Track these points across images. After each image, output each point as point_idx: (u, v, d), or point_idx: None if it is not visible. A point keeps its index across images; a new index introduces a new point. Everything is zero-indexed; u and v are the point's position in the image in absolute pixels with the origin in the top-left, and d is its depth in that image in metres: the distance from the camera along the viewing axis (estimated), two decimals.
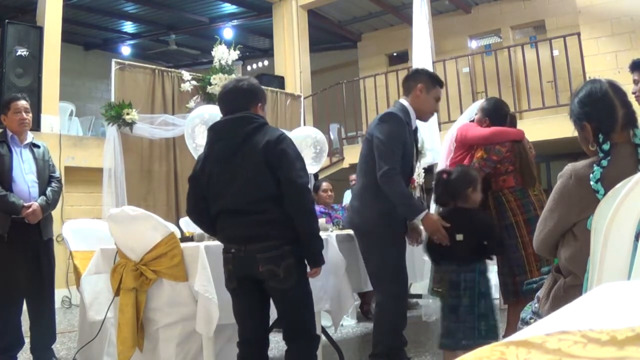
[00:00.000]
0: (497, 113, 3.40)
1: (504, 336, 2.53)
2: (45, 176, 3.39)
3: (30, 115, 3.42)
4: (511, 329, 3.01)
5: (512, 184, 3.24)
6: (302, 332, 2.21)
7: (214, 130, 2.30)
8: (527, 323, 1.80)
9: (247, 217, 2.14)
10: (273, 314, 2.31)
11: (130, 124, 4.87)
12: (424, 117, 3.03)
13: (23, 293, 3.31)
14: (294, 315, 2.19)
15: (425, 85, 2.95)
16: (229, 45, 5.22)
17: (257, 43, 11.39)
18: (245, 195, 2.15)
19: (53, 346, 3.45)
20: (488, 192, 3.23)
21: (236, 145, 2.18)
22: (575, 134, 1.83)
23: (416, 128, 3.07)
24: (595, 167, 1.64)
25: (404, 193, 2.80)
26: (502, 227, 3.18)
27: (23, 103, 3.35)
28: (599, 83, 1.79)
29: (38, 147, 3.42)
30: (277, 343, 3.40)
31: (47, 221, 3.40)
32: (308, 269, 2.22)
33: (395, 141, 2.81)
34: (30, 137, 3.40)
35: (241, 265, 2.17)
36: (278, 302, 2.19)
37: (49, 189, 3.36)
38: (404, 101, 2.99)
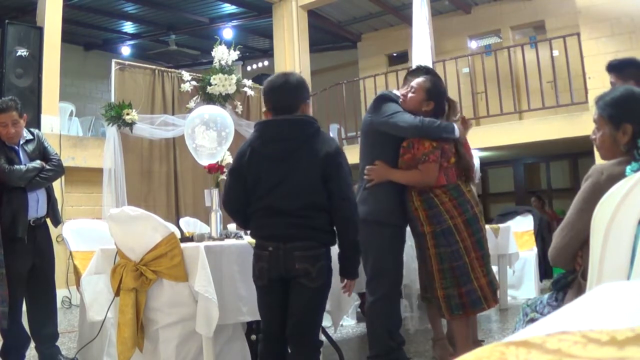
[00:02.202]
0: (442, 97, 2.96)
1: (457, 355, 2.52)
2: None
3: (19, 125, 3.27)
4: (462, 345, 2.82)
5: (444, 182, 2.84)
6: (308, 333, 2.21)
7: (269, 129, 2.25)
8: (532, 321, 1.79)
9: (291, 219, 2.15)
10: None
11: (130, 125, 4.88)
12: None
13: (24, 292, 3.32)
14: (307, 315, 2.19)
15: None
16: (229, 45, 5.22)
17: (257, 43, 11.40)
18: (294, 199, 2.15)
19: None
20: (412, 193, 2.88)
21: (294, 148, 2.17)
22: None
23: None
24: (628, 167, 1.61)
25: (437, 125, 2.78)
26: (438, 233, 2.80)
27: (10, 115, 3.20)
28: (636, 88, 1.78)
29: (32, 140, 3.40)
30: None
31: (54, 209, 3.43)
32: (339, 283, 2.29)
33: (397, 109, 2.82)
34: (23, 137, 3.37)
35: (277, 263, 2.16)
36: (298, 300, 2.17)
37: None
38: (397, 91, 3.05)
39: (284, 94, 2.24)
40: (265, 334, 2.29)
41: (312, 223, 2.15)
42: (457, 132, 2.82)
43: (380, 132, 2.87)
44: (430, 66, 5.88)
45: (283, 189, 2.16)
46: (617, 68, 3.03)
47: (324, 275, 2.18)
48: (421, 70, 3.03)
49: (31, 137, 3.43)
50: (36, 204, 3.31)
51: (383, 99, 2.92)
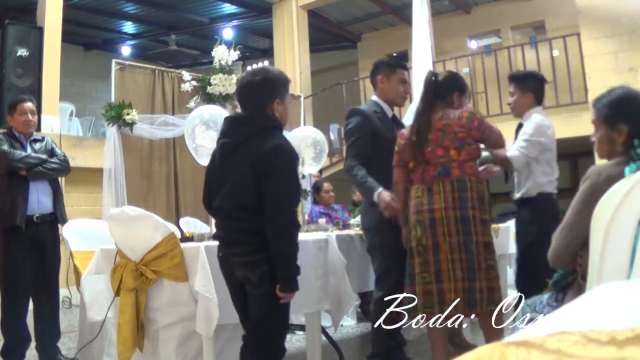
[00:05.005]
0: (461, 84, 2.83)
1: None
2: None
3: (36, 117, 3.54)
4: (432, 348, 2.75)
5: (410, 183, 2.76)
6: (265, 341, 2.15)
7: (225, 125, 2.25)
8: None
9: (228, 221, 2.14)
10: None
11: (131, 124, 4.87)
12: (395, 102, 3.10)
13: (29, 291, 3.33)
14: (261, 324, 2.12)
15: (384, 74, 3.05)
16: (229, 45, 5.21)
17: (257, 43, 11.39)
18: (229, 200, 2.12)
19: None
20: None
21: (234, 146, 2.13)
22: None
23: (394, 115, 3.15)
24: (627, 168, 1.61)
25: (358, 180, 2.87)
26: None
27: (29, 105, 3.48)
28: (633, 89, 1.80)
29: (40, 140, 3.52)
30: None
31: (61, 208, 3.48)
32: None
33: (354, 134, 2.94)
34: (33, 134, 3.53)
35: (224, 267, 2.22)
36: (251, 306, 2.15)
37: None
38: (373, 97, 3.13)
39: (246, 94, 2.18)
40: (243, 336, 2.29)
41: (247, 226, 2.05)
42: (374, 198, 2.74)
43: None
44: (431, 66, 5.88)
45: (224, 190, 2.14)
46: (519, 79, 3.12)
47: (266, 283, 2.02)
48: None
49: (40, 138, 3.55)
50: (37, 196, 3.33)
51: (350, 114, 3.04)
